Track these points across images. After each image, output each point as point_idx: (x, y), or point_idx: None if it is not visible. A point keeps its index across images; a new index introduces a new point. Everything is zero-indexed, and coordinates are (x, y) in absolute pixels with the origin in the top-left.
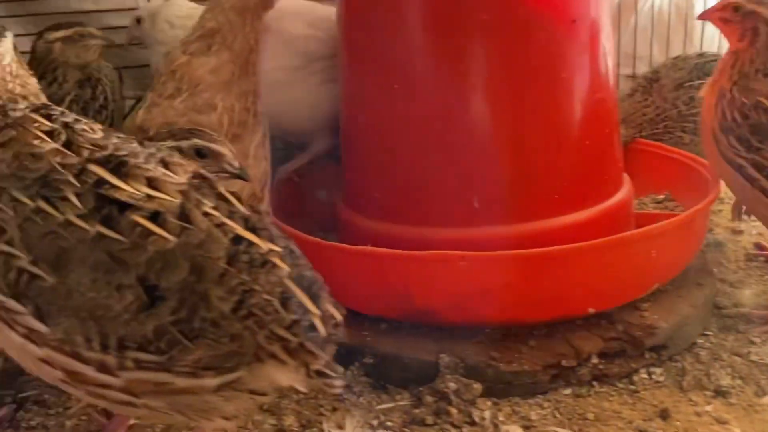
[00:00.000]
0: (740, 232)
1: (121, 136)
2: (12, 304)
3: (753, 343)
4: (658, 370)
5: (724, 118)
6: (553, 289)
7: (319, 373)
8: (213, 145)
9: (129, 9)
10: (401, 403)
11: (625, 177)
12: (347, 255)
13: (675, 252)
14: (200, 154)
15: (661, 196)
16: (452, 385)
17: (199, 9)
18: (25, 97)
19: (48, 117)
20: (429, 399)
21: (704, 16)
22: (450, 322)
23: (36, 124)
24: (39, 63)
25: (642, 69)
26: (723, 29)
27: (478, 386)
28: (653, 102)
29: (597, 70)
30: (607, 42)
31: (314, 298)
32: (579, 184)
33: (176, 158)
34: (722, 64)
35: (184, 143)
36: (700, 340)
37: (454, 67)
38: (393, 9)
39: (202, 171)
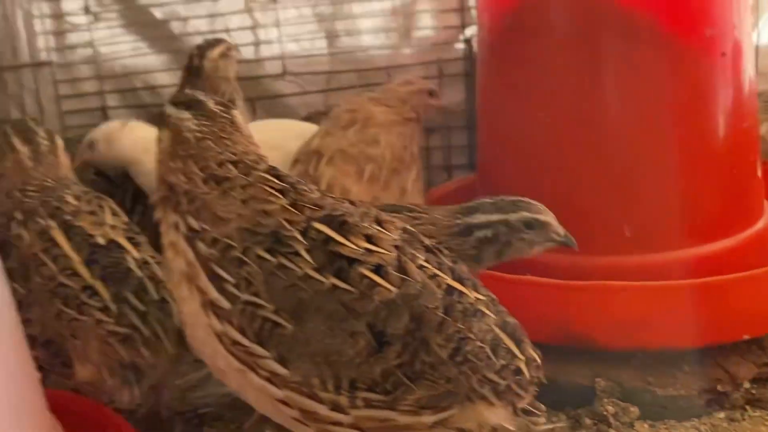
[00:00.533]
0: None
1: (334, 197)
2: (257, 349)
3: None
4: None
5: None
6: (709, 317)
7: (525, 411)
8: (540, 216)
9: None
10: (559, 424)
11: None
12: (507, 283)
13: None
14: (529, 226)
15: None
16: (611, 408)
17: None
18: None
19: (278, 177)
20: (588, 421)
21: None
22: (607, 347)
23: (270, 183)
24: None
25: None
26: None
27: (635, 409)
28: None
29: (743, 100)
30: (750, 71)
31: (518, 344)
32: (727, 212)
33: (386, 216)
34: None
35: (512, 216)
36: None
37: (612, 102)
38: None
39: (408, 226)
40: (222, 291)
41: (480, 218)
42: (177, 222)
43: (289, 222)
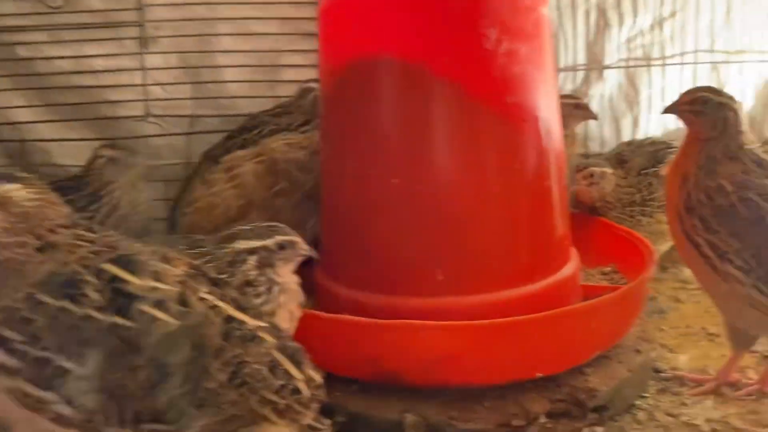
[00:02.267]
0: (682, 301)
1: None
2: (46, 395)
3: (684, 404)
4: (599, 429)
5: (689, 199)
6: (506, 356)
7: (311, 427)
8: (290, 237)
9: None
10: None
11: (573, 252)
12: (323, 322)
13: (613, 323)
14: (282, 247)
15: (608, 269)
16: None
17: None
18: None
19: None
20: None
21: (671, 110)
22: (413, 384)
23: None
24: None
25: (594, 149)
26: (693, 121)
27: None
28: (627, 184)
29: (545, 162)
30: (554, 137)
31: (297, 365)
32: (530, 260)
33: (173, 254)
34: (688, 149)
35: (269, 241)
36: (638, 402)
37: (421, 154)
38: (371, 107)
39: (196, 262)
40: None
41: (243, 245)
42: None
43: (84, 266)
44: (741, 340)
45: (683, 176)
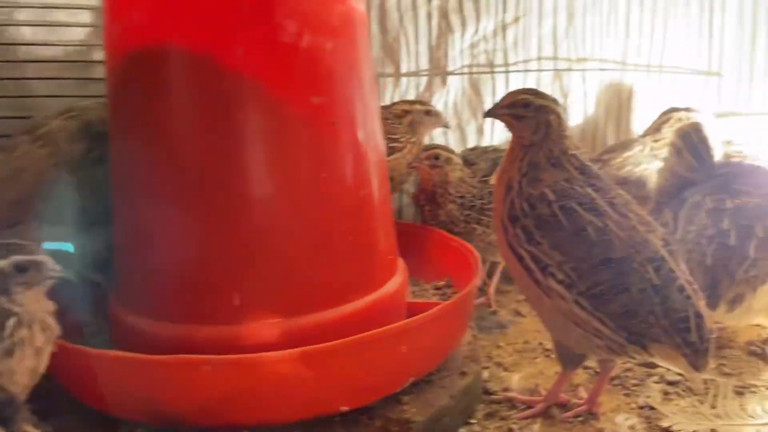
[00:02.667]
0: (523, 315)
1: None
2: None
3: (511, 430)
4: None
5: (513, 207)
6: (303, 389)
7: None
8: (33, 257)
9: None
10: None
11: (400, 267)
12: (92, 359)
13: (430, 345)
14: (20, 269)
15: (442, 283)
16: None
17: None
18: None
19: None
20: None
21: (491, 114)
22: (199, 426)
23: None
24: None
25: None
26: (513, 125)
27: None
28: (472, 185)
29: (361, 169)
30: (372, 142)
31: (5, 422)
32: (346, 277)
33: None
34: (512, 155)
35: (2, 263)
36: (462, 430)
37: (216, 163)
38: (158, 106)
39: None
40: None
41: None
42: None
43: None
44: (568, 359)
45: (507, 184)
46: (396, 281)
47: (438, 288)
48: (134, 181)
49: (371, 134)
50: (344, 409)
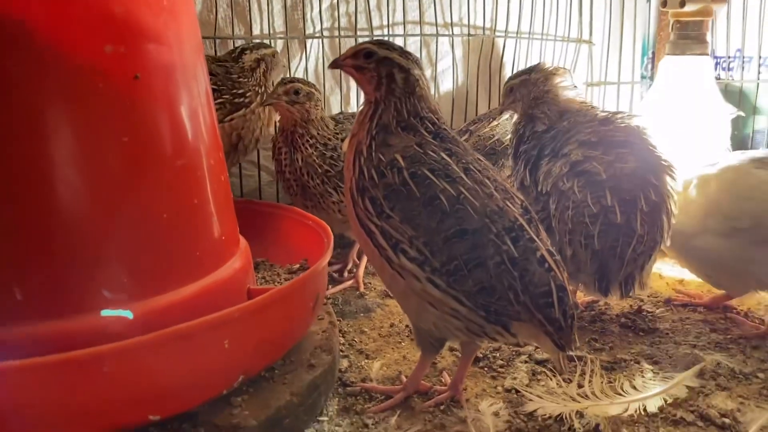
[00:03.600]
0: (391, 297)
1: None
2: None
3: (366, 426)
4: None
5: (362, 175)
6: (91, 400)
7: None
8: None
9: None
10: None
11: (241, 249)
12: None
13: (262, 338)
14: None
15: (296, 266)
16: None
17: None
18: None
19: None
20: None
21: (335, 65)
22: None
23: None
24: None
25: None
26: (359, 78)
27: None
28: (333, 146)
29: (178, 134)
30: (193, 102)
31: None
32: (160, 263)
33: None
34: (361, 116)
35: None
36: (310, 430)
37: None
38: None
39: None
40: None
41: None
42: None
43: None
44: (427, 343)
45: (356, 149)
46: (232, 266)
47: (293, 272)
48: None
49: (192, 95)
50: (155, 418)
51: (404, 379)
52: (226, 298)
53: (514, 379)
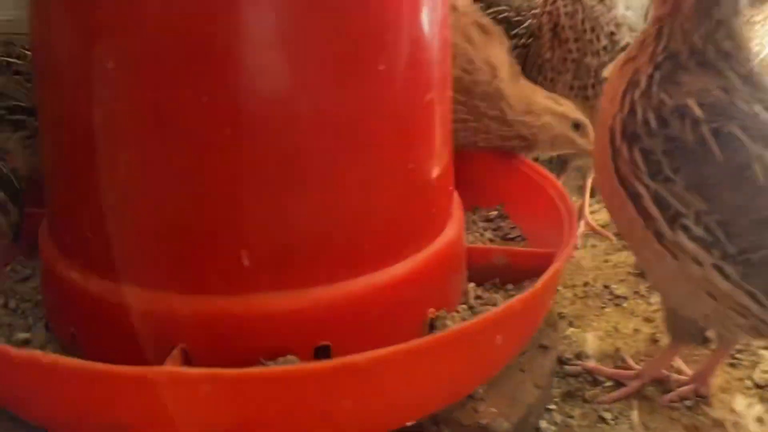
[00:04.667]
0: (576, 247)
1: None
2: None
3: (603, 420)
4: None
5: (632, 116)
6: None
7: None
8: None
9: None
10: None
11: (455, 202)
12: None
13: (524, 330)
14: None
15: (493, 213)
16: None
17: None
18: None
19: None
20: None
21: None
22: None
23: None
24: None
25: None
26: None
27: None
28: None
29: (425, 60)
30: (434, 15)
31: None
32: (396, 227)
33: None
34: (643, 35)
35: None
36: (543, 423)
37: (216, 54)
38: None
39: None
40: None
41: None
42: None
43: None
44: (684, 333)
45: (632, 77)
46: (454, 225)
47: (489, 220)
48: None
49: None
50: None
51: (625, 356)
52: (450, 267)
53: (765, 372)
